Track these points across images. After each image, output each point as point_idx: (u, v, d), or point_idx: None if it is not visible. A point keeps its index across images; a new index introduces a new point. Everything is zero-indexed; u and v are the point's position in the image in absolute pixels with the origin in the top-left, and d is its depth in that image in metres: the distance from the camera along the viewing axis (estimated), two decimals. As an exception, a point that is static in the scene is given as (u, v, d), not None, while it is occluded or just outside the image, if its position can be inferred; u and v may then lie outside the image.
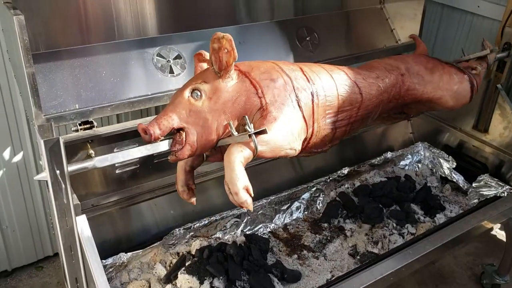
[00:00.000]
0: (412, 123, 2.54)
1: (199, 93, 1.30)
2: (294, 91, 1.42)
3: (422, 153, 2.40)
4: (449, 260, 2.56)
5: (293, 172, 2.15)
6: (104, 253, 1.70)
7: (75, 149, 1.59)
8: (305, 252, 1.86)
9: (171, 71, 1.86)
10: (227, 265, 1.63)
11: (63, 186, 1.09)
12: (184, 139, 1.28)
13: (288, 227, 1.99)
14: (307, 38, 2.19)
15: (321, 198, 2.10)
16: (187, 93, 1.31)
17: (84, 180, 1.69)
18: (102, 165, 1.26)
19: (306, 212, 2.06)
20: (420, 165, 2.38)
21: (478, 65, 1.86)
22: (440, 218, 1.97)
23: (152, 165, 1.78)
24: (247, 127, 1.25)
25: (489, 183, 2.12)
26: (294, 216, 2.03)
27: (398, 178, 2.22)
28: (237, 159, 1.23)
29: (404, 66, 1.76)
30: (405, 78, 1.74)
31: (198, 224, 1.81)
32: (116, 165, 1.70)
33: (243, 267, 1.65)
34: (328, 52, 2.23)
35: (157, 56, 1.85)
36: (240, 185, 1.22)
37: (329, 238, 1.93)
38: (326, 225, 1.99)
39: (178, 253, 1.74)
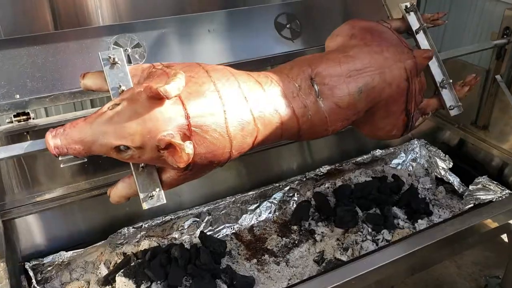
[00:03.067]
0: (411, 118, 2.32)
1: (126, 149, 1.10)
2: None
3: (418, 151, 2.18)
4: (451, 269, 2.33)
5: (264, 169, 2.00)
6: (49, 250, 1.63)
7: (12, 141, 1.53)
8: (266, 256, 1.71)
9: (129, 61, 1.76)
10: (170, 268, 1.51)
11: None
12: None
13: (254, 228, 1.84)
14: (287, 26, 2.03)
15: (295, 199, 1.94)
16: (116, 144, 1.09)
17: (28, 173, 1.62)
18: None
19: (277, 213, 1.90)
20: (414, 164, 2.16)
21: (432, 111, 1.63)
22: (421, 224, 1.76)
23: (102, 160, 1.69)
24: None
25: (487, 186, 1.89)
26: (263, 216, 1.88)
27: (384, 178, 2.02)
28: (121, 199, 1.27)
29: (370, 105, 1.45)
30: (358, 120, 1.50)
31: (150, 223, 1.70)
32: (60, 158, 1.62)
33: (187, 272, 1.53)
34: (310, 41, 2.05)
35: (114, 45, 1.75)
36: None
37: (296, 242, 1.77)
38: (296, 227, 1.83)
39: (124, 253, 1.64)
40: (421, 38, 1.66)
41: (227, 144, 1.18)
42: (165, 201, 1.23)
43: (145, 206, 1.21)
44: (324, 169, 2.00)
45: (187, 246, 1.69)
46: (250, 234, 1.82)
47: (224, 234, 1.80)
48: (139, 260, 1.57)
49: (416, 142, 2.18)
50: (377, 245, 1.70)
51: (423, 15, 1.70)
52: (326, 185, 2.02)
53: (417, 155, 2.18)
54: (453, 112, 1.63)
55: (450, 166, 2.04)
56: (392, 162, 2.16)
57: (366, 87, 1.42)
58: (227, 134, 1.17)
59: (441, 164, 2.07)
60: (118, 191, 1.25)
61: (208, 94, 1.16)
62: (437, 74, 1.62)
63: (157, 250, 1.59)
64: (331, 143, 2.16)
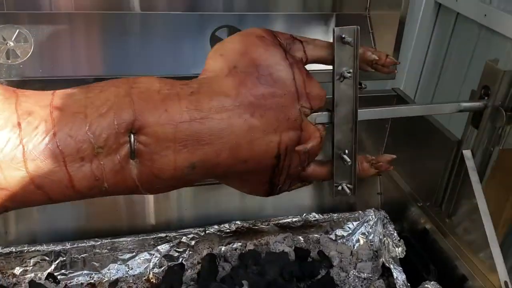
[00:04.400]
0: (382, 180, 1.82)
1: None
2: None
3: (372, 224, 1.68)
4: None
5: (153, 212, 1.63)
6: None
7: None
8: (106, 325, 1.35)
9: (9, 56, 1.50)
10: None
11: None
12: None
13: (119, 283, 1.49)
14: (228, 42, 1.64)
15: (185, 256, 1.55)
16: None
17: None
18: None
19: (155, 270, 1.53)
20: (362, 242, 1.67)
21: (316, 180, 1.21)
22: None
23: None
24: None
25: (434, 296, 1.36)
26: (136, 271, 1.52)
27: (305, 254, 1.56)
28: None
29: (210, 177, 1.10)
30: None
31: (-18, 252, 1.42)
32: None
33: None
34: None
35: (-5, 36, 1.50)
36: None
37: (155, 315, 1.40)
38: (166, 295, 1.45)
39: None
40: (344, 86, 1.16)
41: None
42: None
43: None
44: (233, 225, 1.59)
45: (21, 289, 1.39)
46: (109, 290, 1.47)
47: (78, 283, 1.47)
48: None
49: (372, 213, 1.68)
50: None
51: (365, 52, 1.19)
52: (235, 246, 1.60)
53: (370, 230, 1.67)
54: (336, 194, 1.16)
55: (403, 255, 1.53)
56: (335, 232, 1.68)
57: (204, 163, 1.00)
58: None
59: (393, 250, 1.55)
60: None
61: None
62: (343, 140, 1.14)
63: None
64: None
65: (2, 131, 0.89)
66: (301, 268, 1.47)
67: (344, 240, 1.67)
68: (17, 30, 1.50)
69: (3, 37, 1.49)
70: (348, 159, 1.12)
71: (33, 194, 0.94)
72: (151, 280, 1.51)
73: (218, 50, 1.13)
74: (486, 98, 1.26)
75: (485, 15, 1.81)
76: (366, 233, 1.67)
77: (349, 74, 1.11)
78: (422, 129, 1.51)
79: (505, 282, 1.19)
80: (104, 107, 0.96)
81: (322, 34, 1.80)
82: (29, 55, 1.51)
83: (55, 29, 1.54)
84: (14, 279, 1.43)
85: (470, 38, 1.97)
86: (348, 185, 1.15)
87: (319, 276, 1.49)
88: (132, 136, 0.97)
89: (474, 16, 1.90)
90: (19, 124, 0.91)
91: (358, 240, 1.67)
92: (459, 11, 1.99)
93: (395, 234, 1.57)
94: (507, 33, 1.74)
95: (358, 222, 1.68)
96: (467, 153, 1.30)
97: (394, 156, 1.18)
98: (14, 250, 1.44)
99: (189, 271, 1.52)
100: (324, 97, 1.14)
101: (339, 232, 1.68)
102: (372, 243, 1.65)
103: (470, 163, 1.28)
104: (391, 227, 1.61)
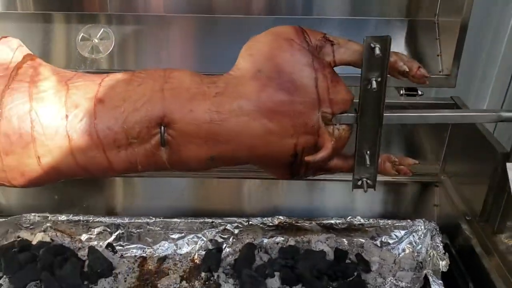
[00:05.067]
0: (439, 192, 1.75)
1: None
2: None
3: (421, 235, 1.63)
4: None
5: (203, 199, 1.76)
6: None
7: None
8: (146, 295, 1.50)
9: (93, 52, 1.73)
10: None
11: None
12: None
13: (166, 260, 1.63)
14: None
15: (230, 243, 1.65)
16: None
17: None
18: None
19: (200, 251, 1.64)
20: (408, 251, 1.63)
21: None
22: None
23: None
24: None
25: (470, 317, 1.30)
26: (183, 250, 1.65)
27: (343, 255, 1.56)
28: None
29: (232, 164, 1.19)
30: None
31: (58, 218, 1.65)
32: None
33: (40, 278, 1.44)
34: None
35: (84, 33, 1.74)
36: None
37: (193, 292, 1.51)
38: (204, 275, 1.56)
39: (19, 237, 1.63)
40: (372, 92, 1.13)
41: None
42: None
43: None
44: (276, 220, 1.65)
45: (83, 252, 1.60)
46: (157, 264, 1.61)
47: (132, 255, 1.64)
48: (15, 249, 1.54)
49: (421, 224, 1.63)
50: (261, 332, 1.33)
51: (396, 61, 1.16)
52: (277, 240, 1.66)
53: (418, 240, 1.62)
54: (355, 187, 1.16)
55: (445, 269, 1.47)
56: (381, 239, 1.66)
57: (222, 157, 1.12)
58: None
59: (436, 262, 1.50)
60: None
61: None
62: (367, 142, 1.14)
63: (30, 245, 1.54)
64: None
65: (53, 123, 1.07)
66: (334, 268, 1.48)
67: (390, 248, 1.64)
68: (102, 29, 1.73)
69: (89, 35, 1.72)
70: (369, 162, 1.13)
71: (79, 173, 1.13)
72: (195, 260, 1.63)
73: (249, 48, 1.17)
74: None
75: None
76: (414, 243, 1.63)
77: (375, 83, 1.11)
78: (475, 140, 1.44)
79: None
80: (140, 102, 1.10)
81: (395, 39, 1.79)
82: (109, 51, 1.72)
83: (134, 29, 1.73)
84: (80, 244, 1.63)
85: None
86: (369, 181, 1.16)
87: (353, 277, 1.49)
88: (162, 128, 1.10)
89: None
90: (66, 116, 1.08)
91: (404, 249, 1.63)
92: (550, 18, 1.84)
93: (441, 247, 1.52)
94: None
95: (406, 231, 1.64)
96: (510, 165, 1.22)
97: (416, 162, 1.16)
98: (82, 218, 1.65)
99: (229, 257, 1.61)
100: (349, 102, 1.15)
101: (385, 239, 1.66)
102: (418, 254, 1.61)
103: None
104: (438, 239, 1.55)
